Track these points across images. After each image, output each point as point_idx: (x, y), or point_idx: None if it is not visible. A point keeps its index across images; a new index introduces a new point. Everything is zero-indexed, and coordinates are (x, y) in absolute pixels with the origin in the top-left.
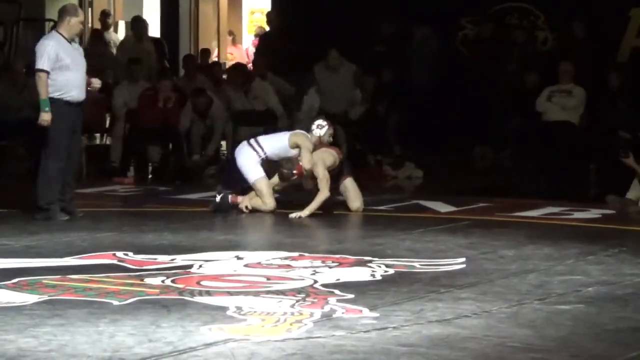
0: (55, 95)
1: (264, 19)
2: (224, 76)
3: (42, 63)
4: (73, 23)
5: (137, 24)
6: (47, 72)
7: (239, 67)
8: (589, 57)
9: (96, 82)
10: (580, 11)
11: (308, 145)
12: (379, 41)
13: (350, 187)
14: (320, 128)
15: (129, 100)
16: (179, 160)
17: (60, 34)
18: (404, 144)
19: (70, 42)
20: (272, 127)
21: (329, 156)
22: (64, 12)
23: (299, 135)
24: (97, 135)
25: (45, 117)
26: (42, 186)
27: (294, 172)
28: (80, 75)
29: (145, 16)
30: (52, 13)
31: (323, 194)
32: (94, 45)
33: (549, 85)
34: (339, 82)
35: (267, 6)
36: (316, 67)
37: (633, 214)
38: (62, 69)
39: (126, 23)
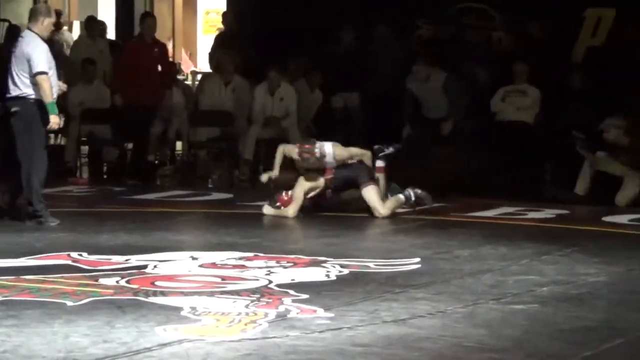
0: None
1: (219, 19)
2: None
3: (43, 65)
4: (47, 24)
5: (91, 24)
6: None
7: (231, 54)
8: (545, 58)
9: (62, 86)
10: (536, 12)
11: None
12: (337, 47)
13: (368, 197)
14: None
15: (84, 100)
16: (137, 159)
17: (37, 34)
18: (366, 144)
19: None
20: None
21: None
22: (37, 12)
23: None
24: (52, 135)
25: (56, 119)
26: (34, 192)
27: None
28: (55, 77)
29: (100, 16)
30: (6, 13)
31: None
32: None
33: (504, 85)
34: (430, 91)
35: (223, 6)
36: (407, 78)
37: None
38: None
39: (81, 23)
